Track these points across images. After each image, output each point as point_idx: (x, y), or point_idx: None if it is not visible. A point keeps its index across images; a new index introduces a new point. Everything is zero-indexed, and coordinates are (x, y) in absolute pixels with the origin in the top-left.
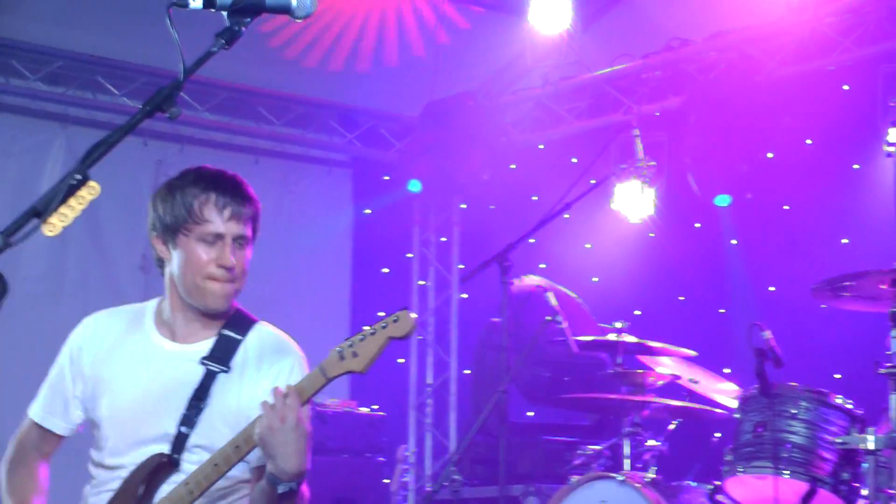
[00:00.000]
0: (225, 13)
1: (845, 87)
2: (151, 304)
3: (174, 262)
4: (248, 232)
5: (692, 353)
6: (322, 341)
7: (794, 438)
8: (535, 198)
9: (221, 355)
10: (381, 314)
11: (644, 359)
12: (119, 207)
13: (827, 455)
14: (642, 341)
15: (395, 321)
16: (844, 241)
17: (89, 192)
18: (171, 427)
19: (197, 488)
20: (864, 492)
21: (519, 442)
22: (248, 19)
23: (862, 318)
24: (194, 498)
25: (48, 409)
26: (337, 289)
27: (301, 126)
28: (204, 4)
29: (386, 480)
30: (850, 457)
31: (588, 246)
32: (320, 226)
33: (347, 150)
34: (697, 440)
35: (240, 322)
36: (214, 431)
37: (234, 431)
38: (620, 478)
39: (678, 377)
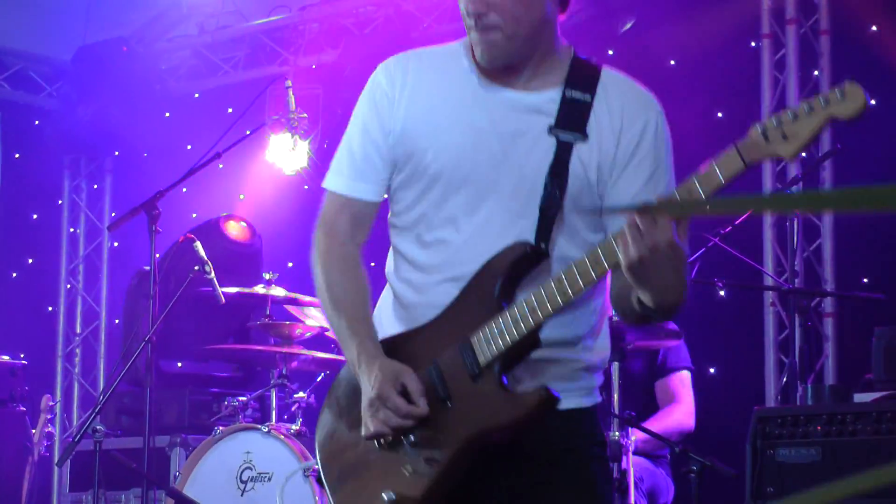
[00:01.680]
0: None
1: None
2: (460, 45)
3: None
4: None
5: None
6: None
7: None
8: (189, 147)
9: (572, 121)
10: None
11: (293, 310)
12: None
13: None
14: (292, 294)
15: (840, 96)
16: None
17: None
18: (528, 205)
19: (574, 289)
20: None
21: (166, 392)
22: None
23: None
24: (568, 300)
25: (354, 175)
26: None
27: None
28: None
29: (34, 431)
30: None
31: (242, 197)
32: None
33: None
34: None
35: (582, 77)
36: (582, 213)
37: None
38: (265, 429)
39: (326, 329)
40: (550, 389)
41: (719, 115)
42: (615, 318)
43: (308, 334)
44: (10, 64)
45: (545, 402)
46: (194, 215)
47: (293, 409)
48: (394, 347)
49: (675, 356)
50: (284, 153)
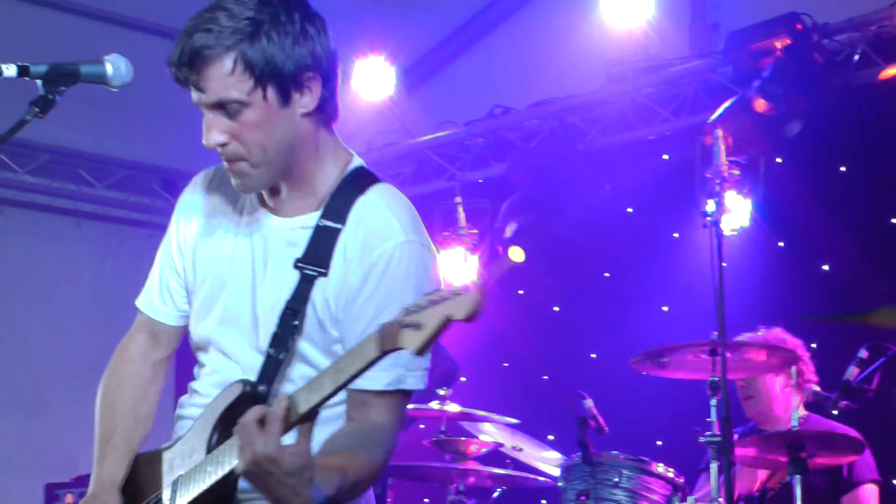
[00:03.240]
0: (40, 82)
1: (665, 157)
2: None
3: None
4: (232, 93)
5: (515, 420)
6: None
7: None
8: None
9: (318, 254)
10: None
11: (467, 426)
12: None
13: None
14: (466, 409)
15: (453, 296)
16: (664, 308)
17: None
18: (259, 343)
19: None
20: None
21: None
22: (63, 87)
23: (683, 384)
24: None
25: (158, 296)
26: None
27: (124, 189)
28: (18, 73)
29: None
30: None
31: None
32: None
33: (170, 213)
34: None
35: (341, 200)
36: (324, 351)
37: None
38: None
39: (501, 444)
40: None
41: (893, 221)
42: (796, 428)
43: (483, 450)
44: (185, 185)
45: None
46: None
47: None
48: (148, 461)
49: (862, 468)
50: (454, 268)
